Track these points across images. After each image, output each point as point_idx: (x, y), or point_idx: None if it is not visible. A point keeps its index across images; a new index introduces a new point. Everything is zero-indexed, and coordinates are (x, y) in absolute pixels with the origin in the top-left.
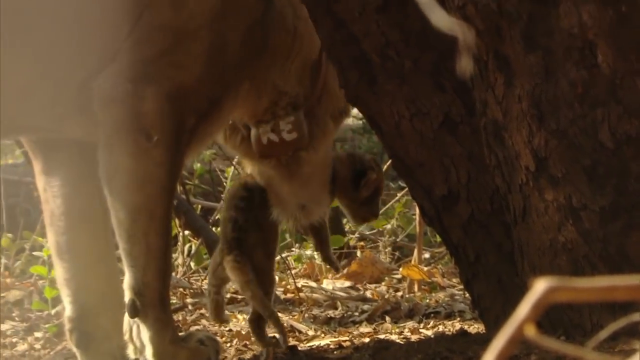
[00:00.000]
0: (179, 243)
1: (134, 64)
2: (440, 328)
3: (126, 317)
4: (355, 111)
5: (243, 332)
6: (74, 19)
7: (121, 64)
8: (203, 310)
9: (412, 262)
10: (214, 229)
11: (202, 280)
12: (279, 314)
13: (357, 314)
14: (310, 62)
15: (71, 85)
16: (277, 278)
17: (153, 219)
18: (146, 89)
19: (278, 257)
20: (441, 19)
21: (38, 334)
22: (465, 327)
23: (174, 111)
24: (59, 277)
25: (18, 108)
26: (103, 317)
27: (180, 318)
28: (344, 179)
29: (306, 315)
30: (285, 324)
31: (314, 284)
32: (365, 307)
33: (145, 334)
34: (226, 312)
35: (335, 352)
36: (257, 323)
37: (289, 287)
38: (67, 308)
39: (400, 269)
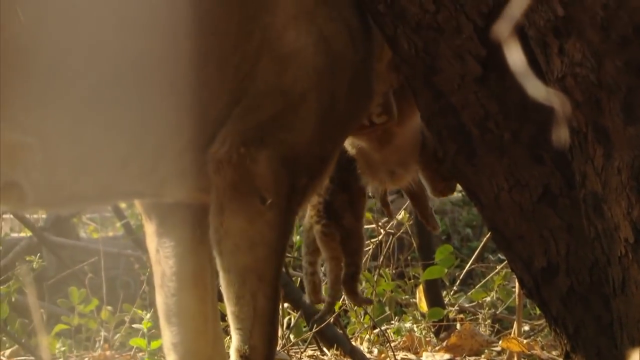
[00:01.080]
0: (279, 315)
1: (247, 129)
2: None
3: None
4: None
5: None
6: (177, 85)
7: (234, 128)
8: None
9: (512, 335)
10: None
11: (302, 353)
12: None
13: None
14: None
15: (172, 150)
16: (376, 351)
17: (262, 281)
18: (260, 152)
19: (377, 330)
20: (539, 90)
21: None
22: None
23: (287, 173)
24: (166, 342)
25: (118, 175)
26: None
27: None
28: (428, 151)
29: None
30: None
31: (413, 357)
32: None
33: None
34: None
35: None
36: (349, 283)
37: (388, 359)
38: None
39: (500, 342)
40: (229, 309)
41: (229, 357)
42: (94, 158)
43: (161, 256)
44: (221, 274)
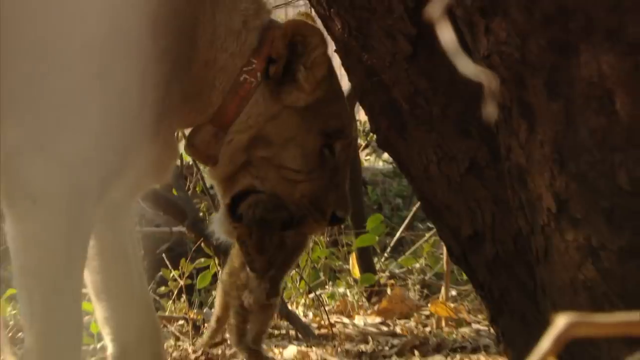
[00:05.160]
0: (219, 281)
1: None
2: None
3: None
4: (385, 155)
5: None
6: None
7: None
8: None
9: (440, 299)
10: None
11: None
12: (314, 349)
13: (387, 348)
14: None
15: None
16: (311, 314)
17: (39, 281)
18: (36, 157)
19: (312, 295)
20: (468, 68)
21: None
22: None
23: (66, 175)
24: (99, 316)
25: None
26: (142, 353)
27: (219, 352)
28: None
29: (339, 349)
30: (319, 358)
31: (346, 320)
32: (395, 341)
33: None
34: (264, 346)
35: None
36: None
37: (322, 322)
38: (109, 346)
39: (429, 306)
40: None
41: (160, 325)
42: None
43: None
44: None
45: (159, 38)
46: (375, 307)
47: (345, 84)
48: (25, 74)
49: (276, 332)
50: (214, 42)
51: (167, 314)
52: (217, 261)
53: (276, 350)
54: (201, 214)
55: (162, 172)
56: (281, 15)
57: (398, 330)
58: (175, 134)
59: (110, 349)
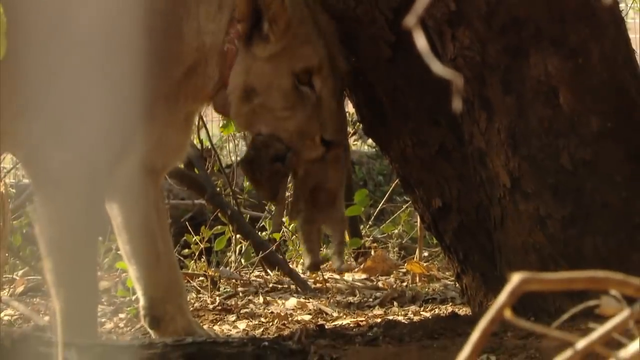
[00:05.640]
0: (232, 244)
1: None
2: (436, 311)
3: None
4: (370, 141)
5: (282, 314)
6: None
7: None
8: (251, 297)
9: (415, 259)
10: (259, 233)
11: (250, 274)
12: (311, 300)
13: (371, 300)
14: None
15: None
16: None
17: (62, 251)
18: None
19: None
20: (439, 68)
21: (122, 315)
22: (456, 310)
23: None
24: (132, 276)
25: None
26: (168, 304)
27: (233, 303)
28: None
29: (331, 300)
30: (315, 308)
31: (337, 277)
32: (378, 294)
33: None
34: (268, 297)
35: (354, 330)
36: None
37: (318, 278)
38: (141, 299)
39: (405, 265)
40: None
41: (184, 281)
42: None
43: (113, 214)
44: None
45: (149, 38)
46: (362, 266)
47: None
48: (40, 77)
49: (279, 286)
50: (200, 29)
51: (189, 271)
52: (231, 228)
53: (279, 302)
54: (218, 189)
55: (180, 151)
56: None
57: (380, 284)
58: (193, 116)
59: (141, 302)
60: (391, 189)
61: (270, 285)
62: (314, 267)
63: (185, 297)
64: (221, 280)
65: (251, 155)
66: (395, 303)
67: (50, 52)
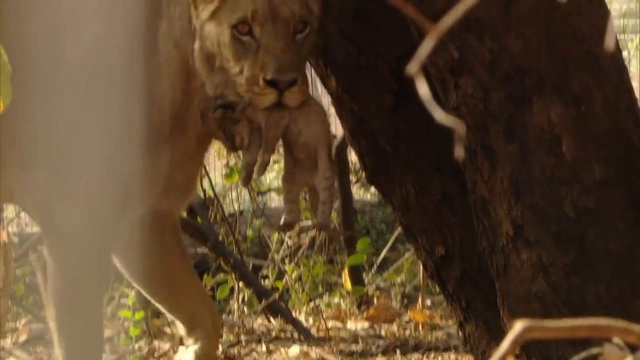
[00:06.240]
0: (235, 292)
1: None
2: (439, 359)
3: None
4: (372, 189)
5: None
6: None
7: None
8: (254, 345)
9: (417, 307)
10: (262, 281)
11: (254, 322)
12: (314, 349)
13: (374, 348)
14: None
15: None
16: (311, 320)
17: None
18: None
19: (312, 304)
20: (441, 116)
21: None
22: (459, 358)
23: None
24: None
25: None
26: (204, 320)
27: (236, 351)
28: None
29: (334, 349)
30: (317, 356)
31: (340, 325)
32: (381, 342)
33: None
34: (271, 346)
35: None
36: None
37: (321, 327)
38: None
39: (408, 313)
40: None
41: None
42: None
43: (123, 263)
44: None
45: (134, 76)
46: (364, 314)
47: (339, 130)
48: (39, 127)
49: (282, 334)
50: (169, 36)
51: None
52: (234, 276)
53: (282, 350)
54: (221, 237)
55: (187, 189)
56: None
57: (383, 333)
58: (201, 146)
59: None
60: (394, 237)
61: (273, 333)
62: (287, 226)
63: (218, 316)
64: (224, 329)
65: (203, 107)
66: (398, 351)
67: (47, 102)
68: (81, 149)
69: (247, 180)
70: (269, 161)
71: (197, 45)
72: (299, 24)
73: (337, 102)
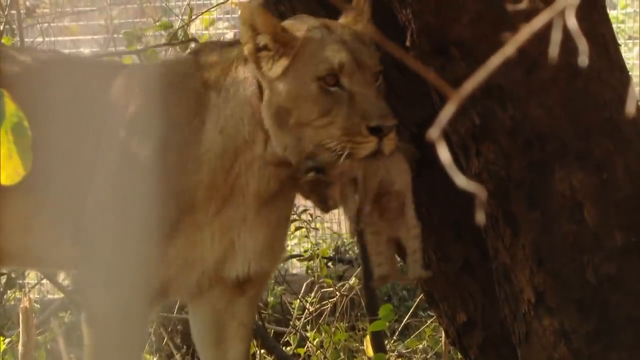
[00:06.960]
0: (257, 359)
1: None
2: None
3: None
4: None
5: None
6: None
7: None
8: None
9: None
10: (284, 348)
11: None
12: None
13: None
14: None
15: None
16: None
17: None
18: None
19: None
20: (462, 182)
21: None
22: None
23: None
24: None
25: None
26: None
27: None
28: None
29: None
30: None
31: None
32: None
33: None
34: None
35: None
36: None
37: None
38: None
39: None
40: None
41: None
42: None
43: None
44: None
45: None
46: None
47: None
48: (74, 206)
49: None
50: (216, 125)
51: None
52: (255, 343)
53: None
54: None
55: (270, 253)
56: None
57: None
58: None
59: None
60: (415, 303)
61: None
62: (381, 280)
63: None
64: None
65: (294, 172)
66: None
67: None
68: (111, 238)
69: (356, 227)
70: (369, 211)
71: (264, 103)
72: (376, 73)
73: None
